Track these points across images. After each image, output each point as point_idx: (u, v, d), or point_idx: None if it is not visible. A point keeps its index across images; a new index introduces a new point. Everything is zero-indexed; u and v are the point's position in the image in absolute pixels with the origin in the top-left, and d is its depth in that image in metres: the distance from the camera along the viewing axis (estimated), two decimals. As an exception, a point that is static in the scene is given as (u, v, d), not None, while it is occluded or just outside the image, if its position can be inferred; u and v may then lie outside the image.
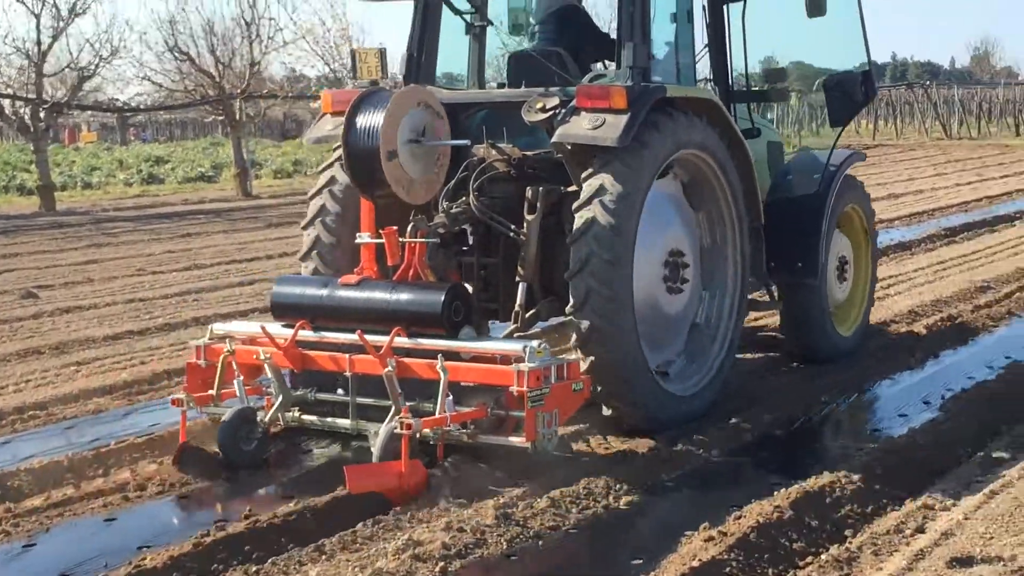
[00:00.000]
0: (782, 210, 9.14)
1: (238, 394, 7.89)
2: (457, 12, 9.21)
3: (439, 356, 7.21)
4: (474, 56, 9.50)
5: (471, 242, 8.41)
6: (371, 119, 7.62)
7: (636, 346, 7.80)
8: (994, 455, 7.46)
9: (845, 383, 9.31)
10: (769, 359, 10.11)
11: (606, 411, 7.96)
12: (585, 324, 7.65)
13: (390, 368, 7.27)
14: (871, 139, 50.13)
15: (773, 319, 10.64)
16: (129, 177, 37.15)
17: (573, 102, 7.82)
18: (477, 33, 9.48)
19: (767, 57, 10.01)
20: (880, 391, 9.31)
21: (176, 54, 32.88)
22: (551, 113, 7.89)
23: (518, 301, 8.13)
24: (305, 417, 7.91)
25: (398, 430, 6.91)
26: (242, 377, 7.94)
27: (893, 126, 54.66)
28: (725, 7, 9.28)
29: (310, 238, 8.70)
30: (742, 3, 9.23)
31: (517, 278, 8.18)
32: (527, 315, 8.19)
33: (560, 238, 8.17)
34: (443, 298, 7.42)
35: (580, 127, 7.68)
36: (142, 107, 40.19)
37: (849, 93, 9.23)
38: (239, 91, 32.21)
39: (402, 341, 7.44)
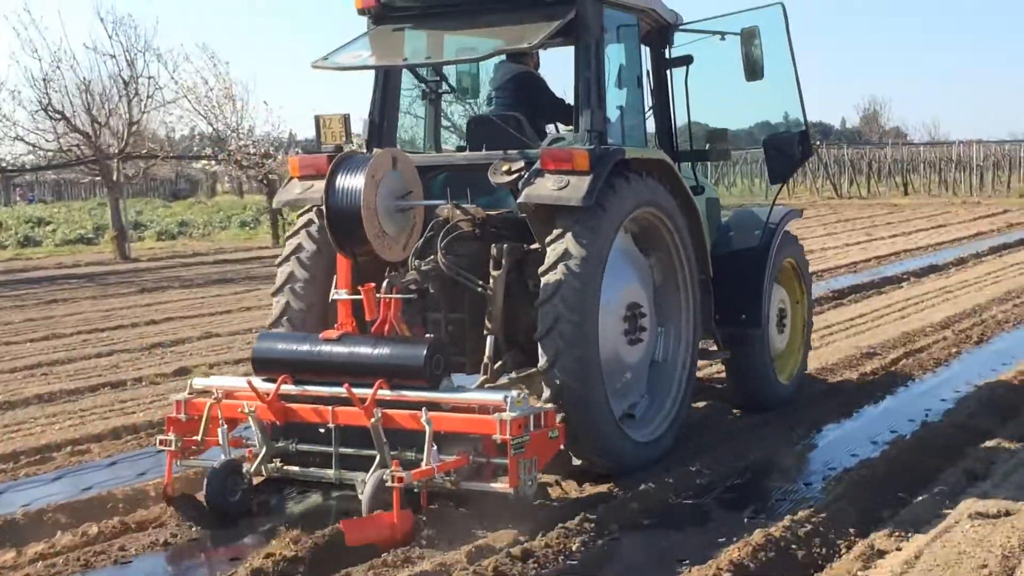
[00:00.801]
0: (726, 264, 9.87)
1: (221, 444, 8.29)
2: (421, 80, 9.80)
3: (423, 408, 7.70)
4: (430, 121, 10.09)
5: (437, 298, 8.92)
6: (351, 181, 8.14)
7: (603, 400, 8.49)
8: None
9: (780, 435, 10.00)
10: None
11: (576, 461, 8.51)
12: (556, 382, 8.27)
13: (376, 419, 7.75)
14: (764, 198, 51.76)
15: (713, 368, 11.31)
16: (5, 239, 36.84)
17: (537, 164, 8.44)
18: (433, 99, 10.08)
19: (708, 119, 10.67)
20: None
21: (50, 113, 32.72)
22: (516, 175, 8.52)
23: (487, 354, 8.69)
24: (287, 468, 8.33)
25: (389, 482, 7.35)
26: (226, 427, 8.34)
27: (785, 185, 56.60)
28: (669, 72, 9.97)
29: (280, 305, 9.22)
30: (685, 68, 9.90)
31: (485, 332, 8.75)
32: (495, 367, 8.70)
33: (523, 293, 8.81)
34: (426, 352, 7.96)
35: (545, 188, 8.32)
36: (9, 168, 39.76)
37: (787, 152, 10.06)
38: (116, 151, 32.24)
39: (384, 393, 7.92)
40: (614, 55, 9.29)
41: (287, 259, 9.28)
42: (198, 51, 66.39)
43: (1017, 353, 13.01)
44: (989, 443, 9.27)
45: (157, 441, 8.45)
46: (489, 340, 8.75)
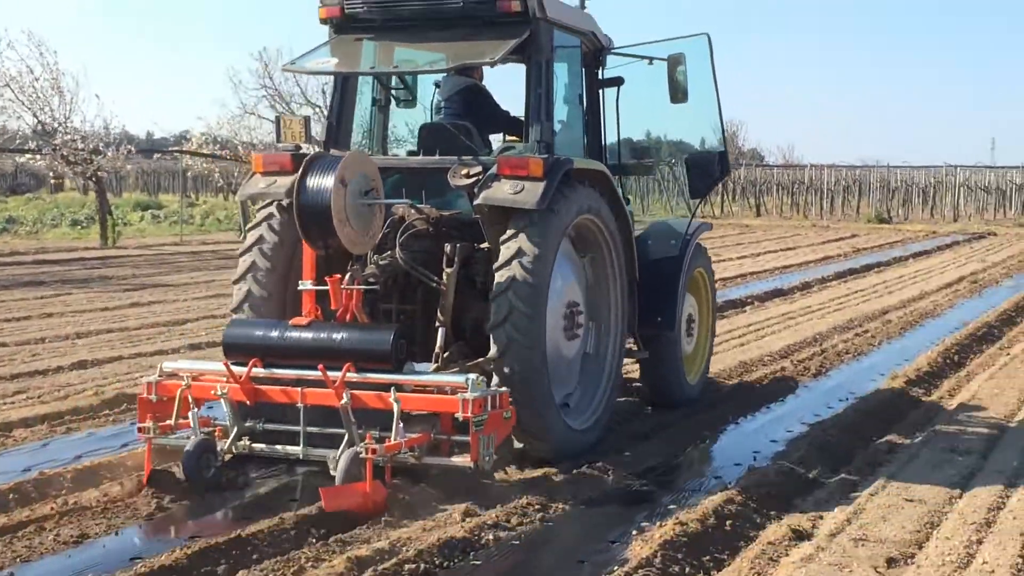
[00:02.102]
0: (645, 271, 11.04)
1: (192, 425, 9.17)
2: (387, 88, 10.86)
3: (392, 388, 8.70)
4: (378, 126, 11.13)
5: (392, 290, 9.94)
6: (322, 180, 9.12)
7: (548, 388, 9.71)
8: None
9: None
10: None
11: (517, 444, 9.58)
12: (506, 369, 9.42)
13: (346, 399, 8.73)
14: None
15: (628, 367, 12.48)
16: None
17: (494, 170, 9.56)
18: (382, 106, 11.13)
19: (636, 135, 11.89)
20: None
21: None
22: (474, 179, 9.59)
23: (439, 344, 9.76)
24: (255, 445, 9.25)
25: (363, 455, 8.35)
26: (197, 409, 9.21)
27: (640, 205, 58.67)
28: (601, 91, 11.13)
29: (242, 292, 10.23)
30: (616, 88, 11.08)
31: (437, 323, 9.87)
32: (445, 356, 9.74)
33: (471, 290, 9.93)
34: (392, 337, 8.99)
35: (502, 191, 9.47)
36: None
37: (707, 170, 11.35)
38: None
39: (351, 376, 8.89)
40: (558, 73, 10.41)
41: (249, 249, 10.29)
42: (24, 38, 65.72)
43: (855, 387, 13.43)
44: (819, 493, 9.32)
45: (138, 429, 9.28)
46: (440, 331, 9.86)
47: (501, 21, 9.96)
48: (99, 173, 36.40)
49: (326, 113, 10.79)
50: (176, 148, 58.83)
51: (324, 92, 44.82)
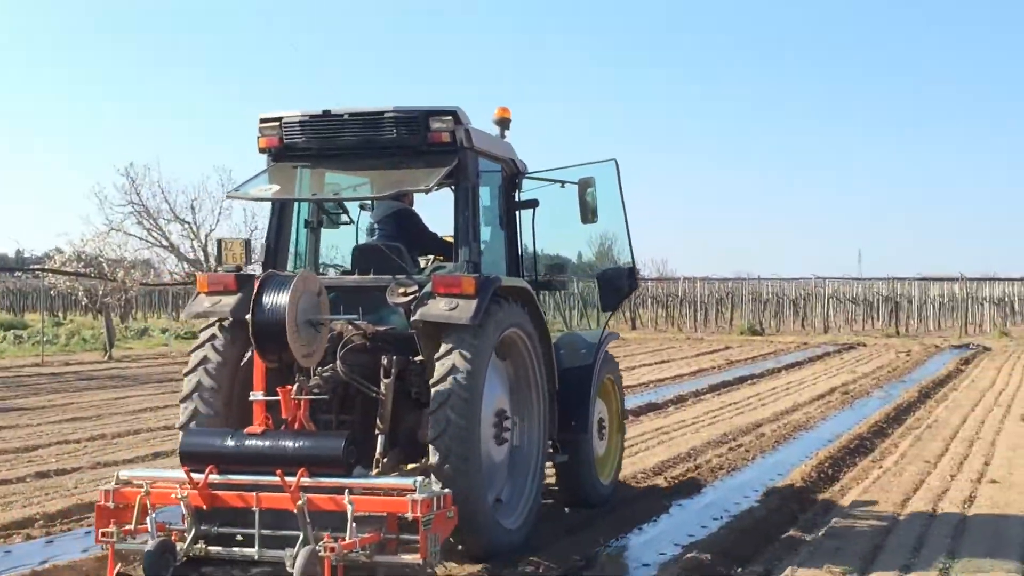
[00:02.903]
0: (560, 378, 12.14)
1: (150, 529, 9.96)
2: (325, 212, 11.87)
3: (347, 491, 9.60)
4: (310, 247, 12.10)
5: (331, 401, 10.87)
6: (276, 298, 10.10)
7: (482, 493, 10.75)
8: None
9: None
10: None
11: (458, 546, 10.50)
12: (444, 476, 10.45)
13: (302, 502, 9.60)
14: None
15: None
16: None
17: (428, 288, 10.59)
18: (314, 228, 12.10)
19: (550, 254, 13.01)
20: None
21: None
22: (411, 296, 10.62)
23: (379, 450, 10.70)
24: (211, 548, 10.05)
25: (321, 553, 9.22)
26: (154, 514, 10.00)
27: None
28: (518, 212, 12.28)
29: (188, 410, 11.18)
30: (532, 210, 12.23)
31: (376, 431, 10.83)
32: (384, 461, 10.67)
33: (406, 400, 10.94)
34: (343, 444, 9.92)
35: (437, 308, 10.55)
36: None
37: (616, 284, 12.53)
38: None
39: (305, 480, 9.77)
40: (482, 197, 11.55)
41: (194, 369, 11.25)
42: None
43: (729, 505, 13.81)
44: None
45: (100, 534, 10.07)
46: (380, 438, 10.82)
47: (430, 150, 11.09)
48: None
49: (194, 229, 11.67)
50: (37, 266, 58.90)
51: (193, 208, 45.80)
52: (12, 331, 53.24)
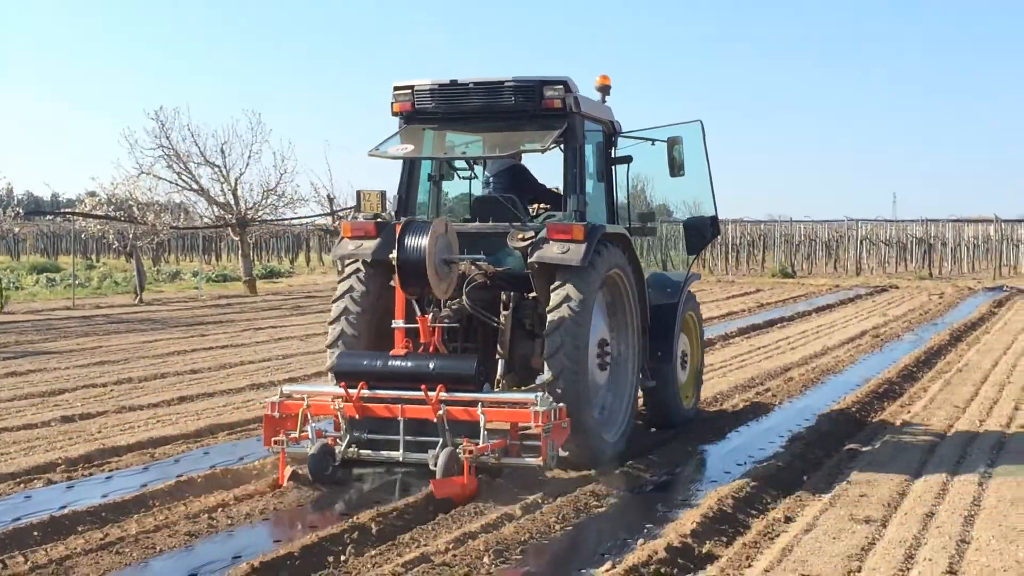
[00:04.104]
0: (650, 314, 14.21)
1: (310, 436, 12.16)
2: (452, 168, 14.06)
3: (479, 403, 11.75)
4: (433, 198, 14.24)
5: (459, 329, 13.04)
6: (417, 240, 12.20)
7: (589, 407, 13.01)
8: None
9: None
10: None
11: (563, 452, 12.58)
12: (558, 390, 12.64)
13: (442, 412, 11.77)
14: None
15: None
16: None
17: (543, 234, 12.68)
18: (436, 181, 14.23)
19: (642, 203, 15.11)
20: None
21: None
22: (529, 242, 12.69)
23: (499, 372, 12.86)
24: (362, 451, 12.24)
25: (462, 454, 11.40)
26: (313, 423, 12.20)
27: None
28: (614, 167, 14.35)
29: (336, 331, 13.48)
30: (627, 165, 14.30)
31: (496, 356, 12.98)
32: (503, 383, 12.85)
33: (520, 330, 13.05)
34: (474, 364, 12.06)
35: (552, 251, 12.71)
36: None
37: (701, 231, 14.66)
38: None
39: (443, 395, 11.95)
40: (586, 154, 13.59)
41: (341, 297, 13.51)
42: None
43: (753, 451, 14.33)
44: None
45: (272, 440, 12.42)
46: (500, 362, 12.96)
47: (543, 115, 13.21)
48: None
49: (224, 173, 13.80)
50: (67, 210, 60.42)
51: (223, 151, 46.65)
52: (45, 274, 55.21)
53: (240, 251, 49.04)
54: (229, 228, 49.15)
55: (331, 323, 13.58)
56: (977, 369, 21.67)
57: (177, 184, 47.64)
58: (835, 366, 22.16)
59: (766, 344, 26.51)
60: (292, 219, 57.14)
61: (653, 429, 15.48)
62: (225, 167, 47.73)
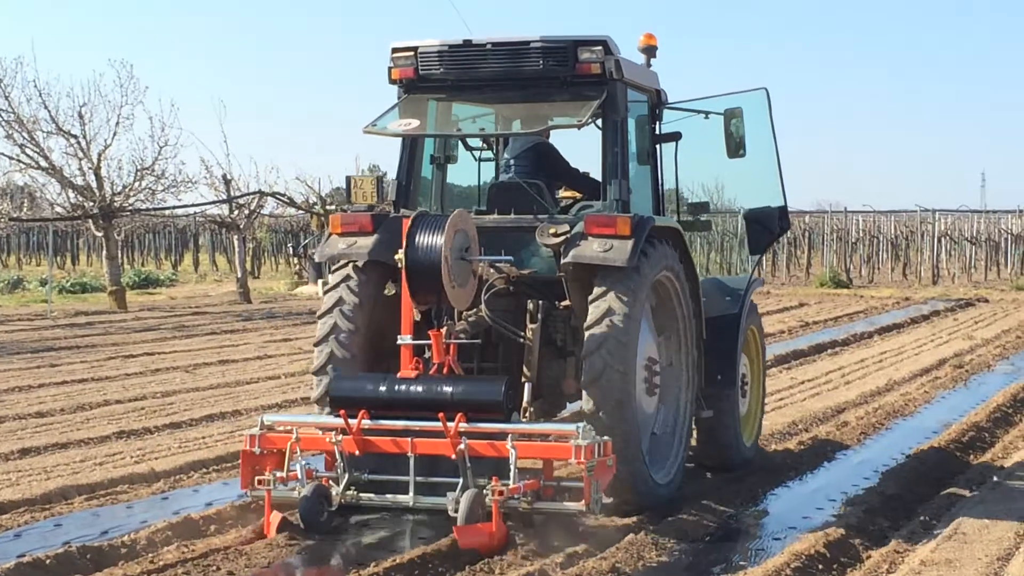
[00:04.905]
0: (706, 328, 15.84)
1: (299, 476, 13.75)
2: (468, 148, 15.75)
3: (509, 436, 13.34)
4: (437, 184, 15.86)
5: (470, 347, 14.65)
6: (430, 238, 13.81)
7: (638, 443, 14.55)
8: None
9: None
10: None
11: (606, 499, 14.18)
12: (598, 415, 14.19)
13: (463, 446, 13.34)
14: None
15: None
16: None
17: (580, 228, 14.37)
18: (440, 164, 15.85)
19: (693, 191, 16.72)
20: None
21: None
22: (563, 238, 14.27)
23: (526, 398, 14.43)
24: (364, 495, 13.83)
25: (489, 497, 13.11)
26: (304, 461, 13.77)
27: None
28: (659, 146, 16.00)
29: (324, 354, 15.02)
30: (674, 144, 15.91)
31: (523, 379, 14.57)
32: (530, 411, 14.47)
33: (548, 347, 14.64)
34: (503, 388, 13.69)
35: (591, 250, 14.37)
36: None
37: (766, 225, 16.37)
38: None
39: (463, 425, 13.55)
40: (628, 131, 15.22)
41: (329, 311, 15.06)
42: None
43: (797, 522, 14.91)
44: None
45: (255, 481, 13.90)
46: (527, 386, 14.59)
47: (578, 82, 14.89)
48: None
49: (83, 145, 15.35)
50: None
51: (81, 117, 46.20)
52: None
53: (105, 252, 49.27)
54: (90, 220, 49.50)
55: (317, 344, 15.06)
56: (1093, 411, 22.65)
57: (19, 161, 47.91)
58: (904, 407, 22.93)
59: (813, 377, 27.34)
60: (176, 208, 58.04)
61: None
62: (85, 138, 47.76)
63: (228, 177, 53.95)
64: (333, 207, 53.19)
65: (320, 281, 50.68)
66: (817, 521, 14.58)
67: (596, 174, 15.47)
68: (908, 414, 22.25)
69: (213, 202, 56.18)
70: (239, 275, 53.62)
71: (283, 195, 58.22)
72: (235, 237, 54.67)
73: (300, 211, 64.32)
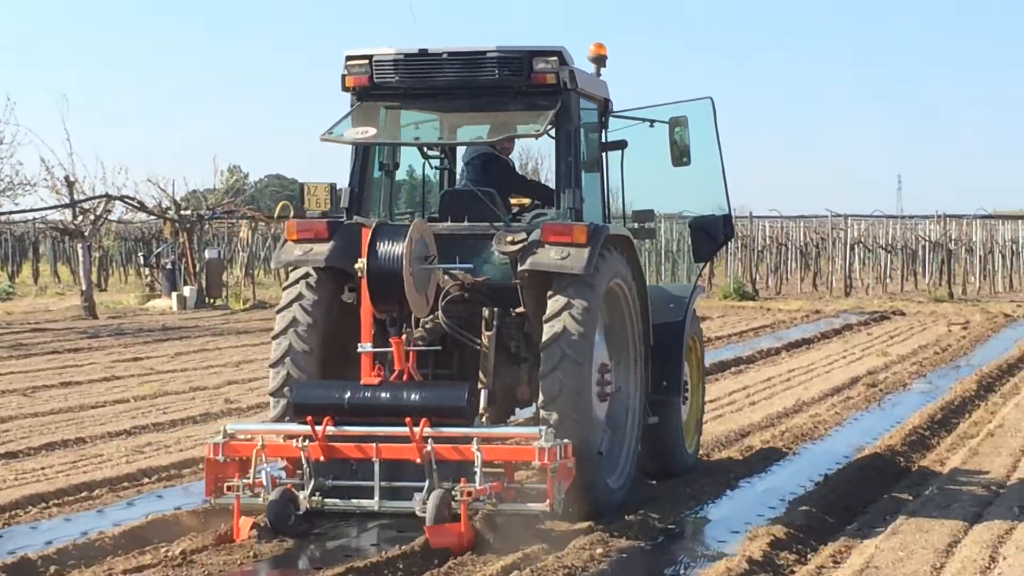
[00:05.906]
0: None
1: (264, 483, 15.89)
2: (426, 157, 17.89)
3: (475, 440, 15.54)
4: (384, 192, 18.07)
5: (425, 355, 16.84)
6: (391, 247, 15.95)
7: (593, 449, 16.71)
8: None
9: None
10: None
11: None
12: (555, 417, 16.29)
13: (429, 449, 15.54)
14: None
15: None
16: None
17: (537, 236, 16.61)
18: (388, 171, 18.11)
19: (636, 199, 18.97)
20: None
21: None
22: (520, 246, 16.51)
23: (482, 404, 16.61)
24: (327, 500, 16.00)
25: (458, 498, 15.23)
26: (268, 468, 15.93)
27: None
28: (605, 154, 18.36)
29: (282, 347, 17.07)
30: (620, 152, 18.22)
31: (479, 385, 16.77)
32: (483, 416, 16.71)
33: (503, 354, 16.91)
34: (466, 394, 15.91)
35: (548, 257, 16.53)
36: None
37: (711, 233, 18.63)
38: None
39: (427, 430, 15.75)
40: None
41: (288, 306, 17.09)
42: None
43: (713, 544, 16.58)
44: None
45: (224, 487, 15.93)
46: (483, 392, 16.78)
47: (532, 92, 17.09)
48: None
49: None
50: None
51: None
52: None
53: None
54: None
55: (276, 337, 17.01)
56: (1016, 432, 23.19)
57: None
58: (814, 429, 24.04)
59: (716, 398, 28.34)
60: (12, 213, 59.19)
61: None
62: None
63: (71, 179, 54.95)
64: (189, 211, 54.90)
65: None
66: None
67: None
68: (818, 437, 23.41)
69: (54, 207, 57.05)
70: (84, 287, 54.23)
71: (133, 199, 59.24)
72: (79, 245, 55.65)
73: (152, 216, 65.49)
